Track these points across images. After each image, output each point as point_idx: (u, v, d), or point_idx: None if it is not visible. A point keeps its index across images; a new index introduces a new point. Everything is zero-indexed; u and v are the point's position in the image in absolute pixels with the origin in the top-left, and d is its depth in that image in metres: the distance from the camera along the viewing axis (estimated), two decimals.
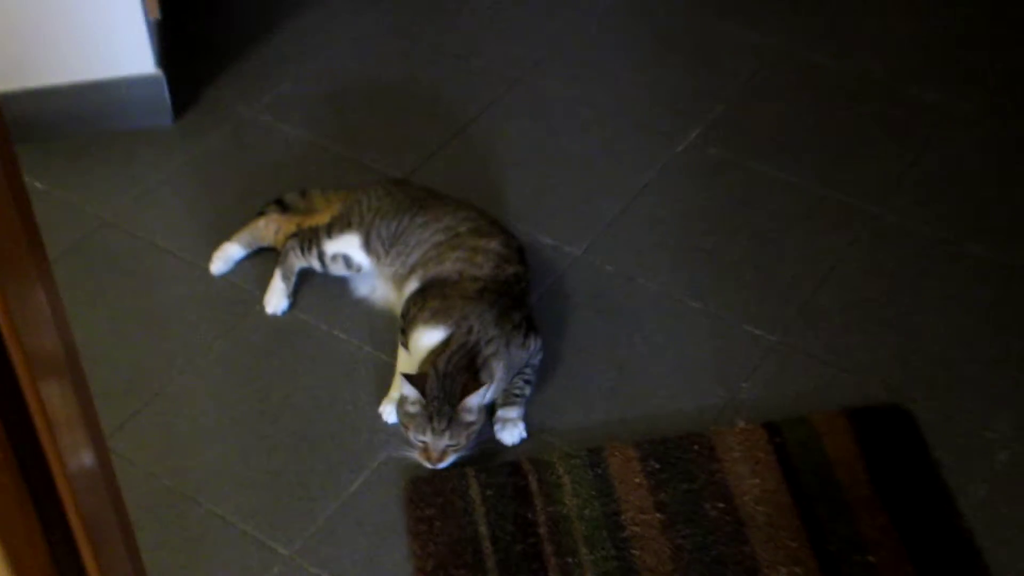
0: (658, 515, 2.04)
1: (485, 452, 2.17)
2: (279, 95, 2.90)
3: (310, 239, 2.39)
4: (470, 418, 2.06)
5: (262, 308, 2.44)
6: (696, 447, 2.12)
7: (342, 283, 2.49)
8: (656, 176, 2.71)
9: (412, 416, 2.07)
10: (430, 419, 2.04)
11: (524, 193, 2.63)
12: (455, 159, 2.74)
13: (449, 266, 2.22)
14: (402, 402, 2.10)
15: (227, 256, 2.48)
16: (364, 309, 2.43)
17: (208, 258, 2.52)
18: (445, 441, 2.05)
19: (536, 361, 2.22)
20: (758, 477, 2.07)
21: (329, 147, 2.78)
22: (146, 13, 2.66)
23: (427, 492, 2.08)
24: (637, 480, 2.08)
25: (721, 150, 2.76)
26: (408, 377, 2.06)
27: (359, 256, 2.36)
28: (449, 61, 2.98)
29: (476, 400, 2.04)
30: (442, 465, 2.08)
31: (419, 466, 2.14)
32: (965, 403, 2.22)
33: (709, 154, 2.76)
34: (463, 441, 2.07)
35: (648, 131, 2.78)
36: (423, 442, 2.07)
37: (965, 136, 2.76)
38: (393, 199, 2.37)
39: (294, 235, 2.43)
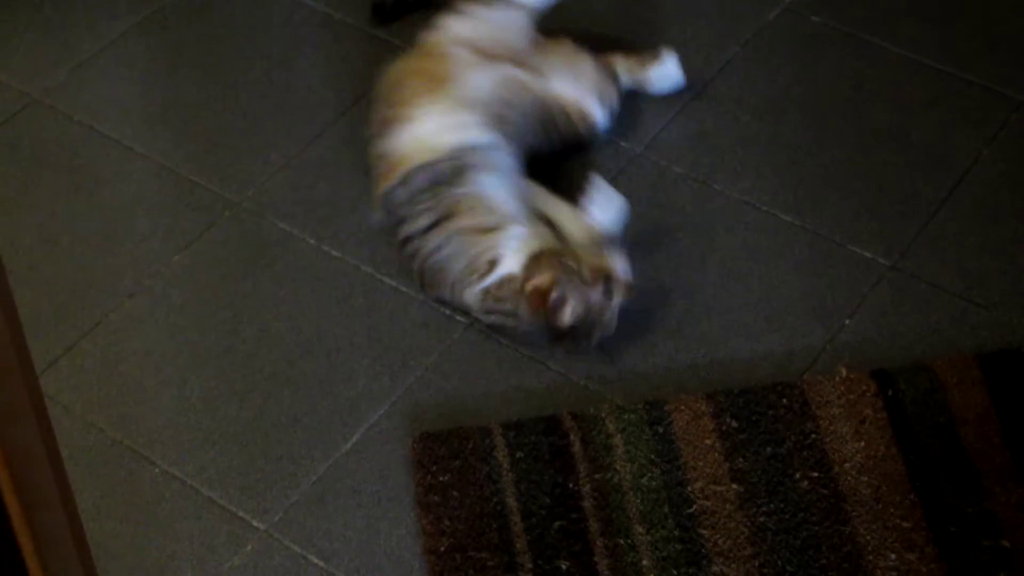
0: (735, 486, 2.06)
1: (513, 400, 2.19)
2: None
3: None
4: None
5: (233, 213, 2.46)
6: (785, 400, 2.14)
7: (334, 185, 2.50)
8: (740, 52, 2.70)
9: None
10: None
11: None
12: None
13: None
14: None
15: None
16: (361, 220, 2.45)
17: (163, 149, 2.54)
18: None
19: None
20: (863, 440, 2.09)
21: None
22: None
23: (441, 453, 2.11)
24: (708, 442, 2.10)
25: (826, 18, 2.74)
26: None
27: None
28: None
29: None
30: None
31: (430, 420, 2.17)
32: None
33: (811, 23, 2.74)
34: None
35: None
36: None
37: None
38: None
39: None
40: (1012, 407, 2.11)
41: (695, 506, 2.03)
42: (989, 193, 2.44)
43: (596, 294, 2.19)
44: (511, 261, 2.23)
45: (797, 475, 2.06)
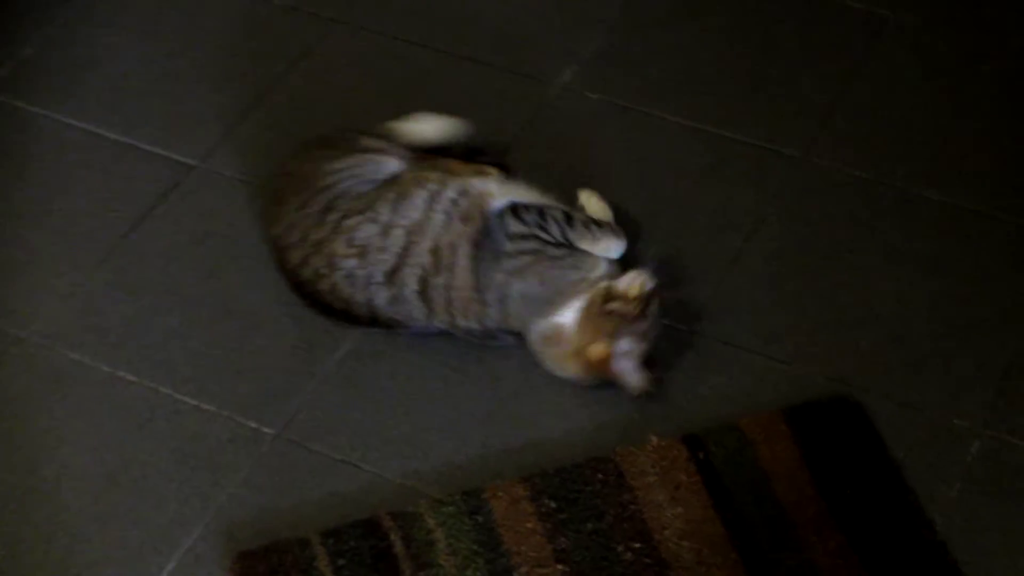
0: (560, 567, 2.09)
1: (329, 507, 2.20)
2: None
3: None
4: None
5: (21, 348, 2.44)
6: (600, 475, 2.18)
7: (124, 308, 2.51)
8: (520, 135, 2.77)
9: None
10: None
11: None
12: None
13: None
14: None
15: None
16: (156, 340, 2.45)
17: None
18: None
19: None
20: (680, 505, 2.14)
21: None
22: None
23: (261, 571, 2.11)
24: (529, 525, 2.14)
25: (604, 94, 2.85)
26: None
27: None
28: None
29: None
30: None
31: (247, 538, 2.17)
32: (925, 387, 2.33)
33: (590, 100, 2.84)
34: None
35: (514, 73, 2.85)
36: None
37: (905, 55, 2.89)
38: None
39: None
40: (820, 458, 2.19)
41: None
42: (776, 250, 2.53)
43: (644, 322, 2.25)
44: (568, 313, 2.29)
45: (620, 548, 2.10)
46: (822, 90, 2.81)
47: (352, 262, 2.35)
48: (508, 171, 2.52)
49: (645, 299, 2.26)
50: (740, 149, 2.71)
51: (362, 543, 2.13)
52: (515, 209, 2.35)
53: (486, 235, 2.33)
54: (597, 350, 2.25)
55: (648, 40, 2.96)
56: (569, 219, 2.35)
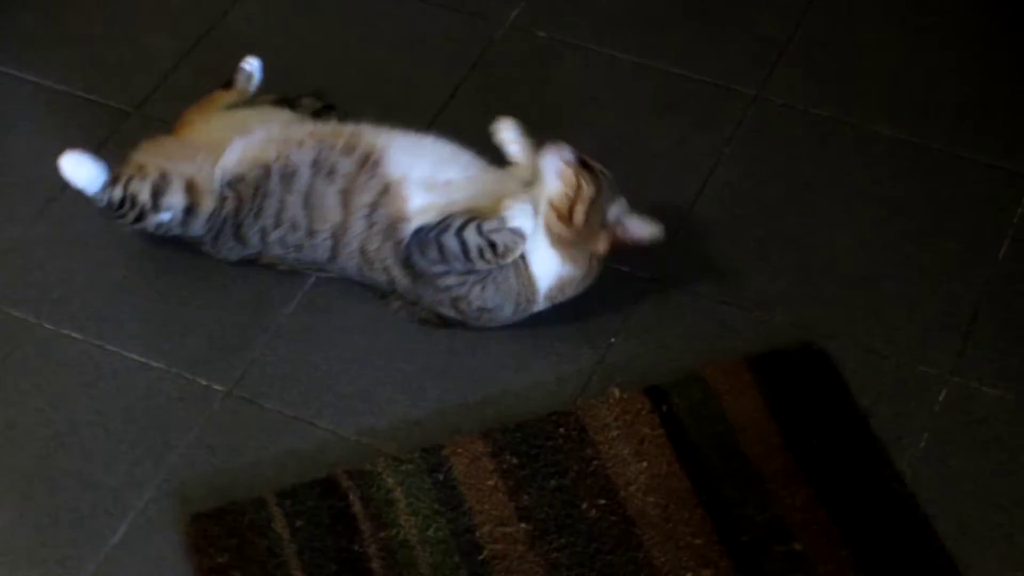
0: (523, 525, 2.06)
1: (285, 466, 2.16)
2: None
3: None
4: None
5: None
6: (562, 430, 2.15)
7: (65, 263, 2.44)
8: (469, 74, 2.71)
9: None
10: None
11: None
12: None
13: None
14: None
15: None
16: (98, 296, 2.38)
17: None
18: None
19: None
20: (645, 459, 2.12)
21: None
22: None
23: (217, 533, 2.07)
24: (491, 482, 2.11)
25: (552, 32, 2.79)
26: None
27: None
28: None
29: None
30: None
31: (201, 499, 2.12)
32: (891, 333, 2.31)
33: (538, 38, 2.78)
34: None
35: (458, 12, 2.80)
36: None
37: None
38: None
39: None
40: (786, 408, 2.17)
41: (485, 551, 2.03)
42: (735, 191, 2.50)
43: (601, 180, 2.22)
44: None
45: (584, 505, 2.07)
46: (778, 25, 2.78)
47: (295, 255, 2.33)
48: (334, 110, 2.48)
49: (580, 176, 2.20)
50: (694, 87, 2.67)
51: (320, 503, 2.09)
52: (421, 249, 2.25)
53: (407, 257, 2.27)
54: (602, 243, 2.24)
55: None
56: (491, 245, 2.21)
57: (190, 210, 2.33)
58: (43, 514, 2.14)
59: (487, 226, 2.18)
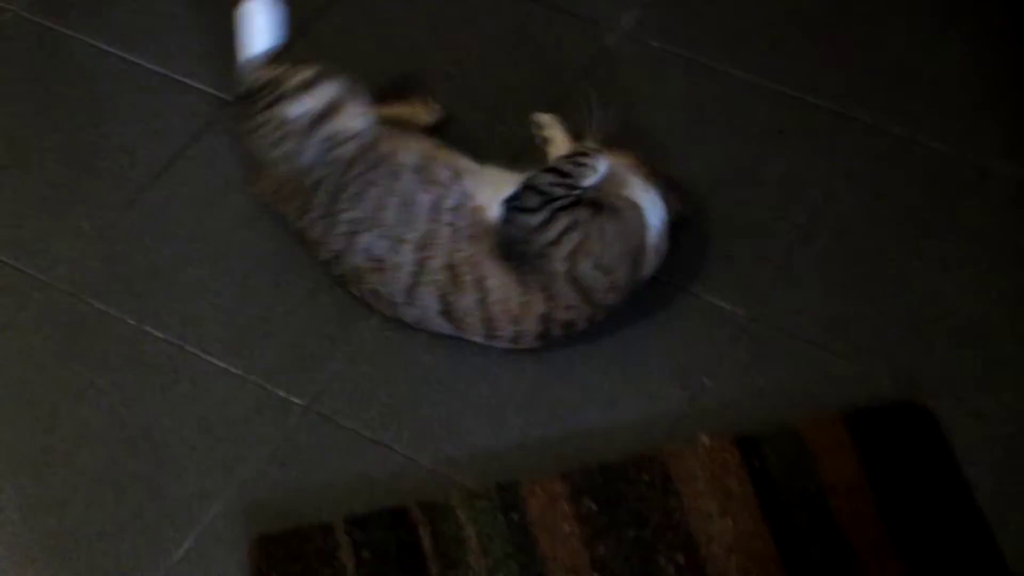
0: None
1: (356, 490, 2.11)
2: None
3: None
4: None
5: (44, 294, 2.34)
6: (645, 476, 2.08)
7: (152, 256, 2.40)
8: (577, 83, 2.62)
9: None
10: None
11: None
12: None
13: None
14: None
15: None
16: (183, 293, 2.33)
17: None
18: None
19: None
20: (730, 516, 2.04)
21: None
22: None
23: (281, 557, 2.03)
24: (567, 527, 2.03)
25: (665, 43, 2.69)
26: None
27: None
28: None
29: None
30: None
31: (268, 518, 2.07)
32: (1004, 396, 2.18)
33: (651, 48, 2.67)
34: None
35: (571, 15, 2.69)
36: None
37: None
38: None
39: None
40: (884, 472, 2.07)
41: None
42: (846, 228, 2.39)
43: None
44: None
45: (662, 560, 2.00)
46: (903, 53, 2.63)
47: (374, 277, 2.23)
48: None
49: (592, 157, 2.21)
50: (811, 112, 2.56)
51: (388, 534, 2.04)
52: (516, 206, 2.18)
53: (508, 244, 2.17)
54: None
55: None
56: (560, 173, 2.19)
57: (321, 117, 2.28)
58: (108, 520, 2.12)
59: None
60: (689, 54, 2.66)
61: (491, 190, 2.21)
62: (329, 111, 2.27)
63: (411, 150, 2.27)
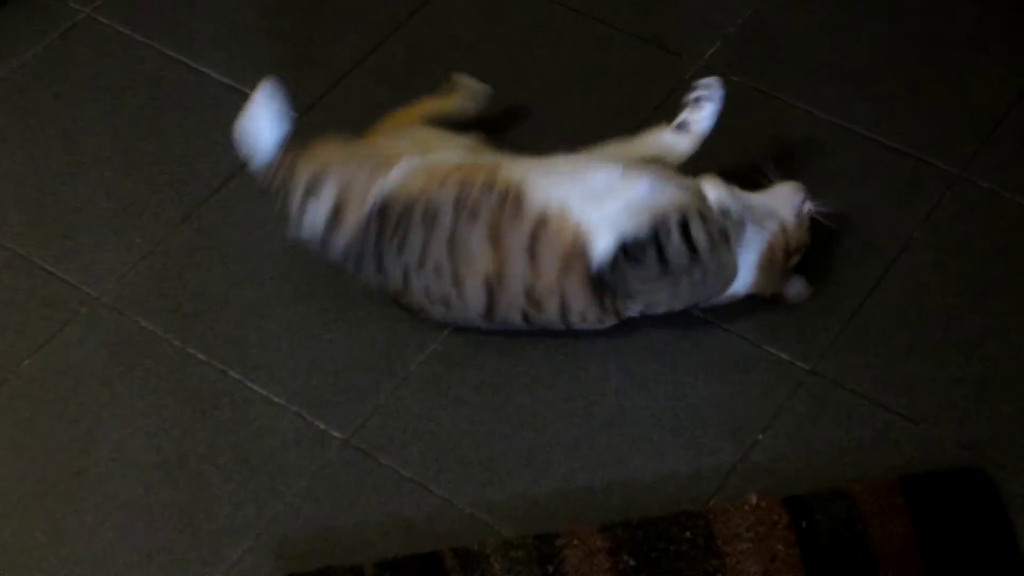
0: None
1: (390, 532, 2.05)
2: None
3: None
4: None
5: (91, 309, 2.31)
6: (688, 534, 2.00)
7: (203, 275, 2.35)
8: (651, 115, 2.54)
9: None
10: None
11: None
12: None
13: None
14: None
15: None
16: (243, 315, 2.28)
17: (15, 233, 2.40)
18: None
19: None
20: None
21: None
22: None
23: None
24: None
25: (745, 77, 2.61)
26: None
27: None
28: None
29: None
30: None
31: (298, 556, 2.02)
32: None
33: (731, 81, 2.58)
34: None
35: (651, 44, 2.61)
36: None
37: None
38: None
39: None
40: (938, 542, 1.98)
41: None
42: (920, 283, 2.29)
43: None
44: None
45: None
46: (994, 100, 2.52)
47: (439, 309, 2.19)
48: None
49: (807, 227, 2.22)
50: (892, 158, 2.46)
51: None
52: (628, 254, 2.10)
53: (601, 274, 2.10)
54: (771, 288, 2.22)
55: (803, 17, 2.71)
56: (690, 241, 2.10)
57: (332, 222, 2.19)
58: (135, 551, 2.07)
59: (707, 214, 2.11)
60: (768, 90, 2.58)
61: (560, 189, 2.12)
62: (337, 210, 2.20)
63: (447, 184, 2.16)
